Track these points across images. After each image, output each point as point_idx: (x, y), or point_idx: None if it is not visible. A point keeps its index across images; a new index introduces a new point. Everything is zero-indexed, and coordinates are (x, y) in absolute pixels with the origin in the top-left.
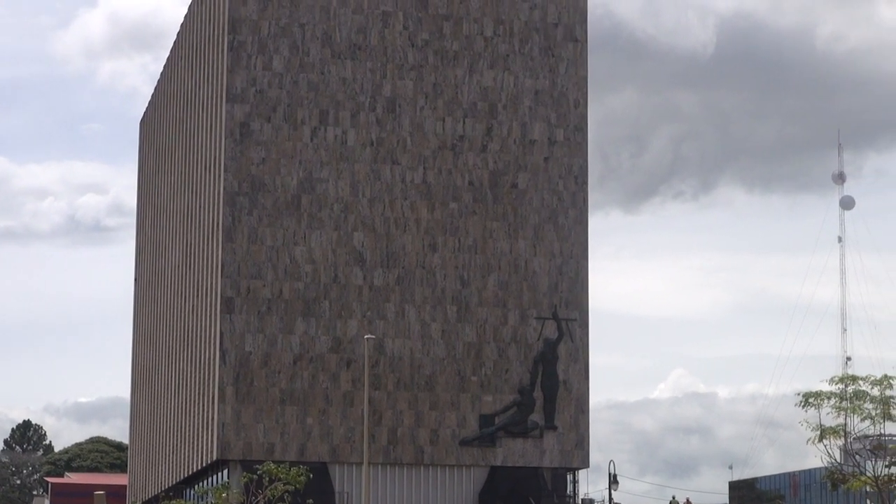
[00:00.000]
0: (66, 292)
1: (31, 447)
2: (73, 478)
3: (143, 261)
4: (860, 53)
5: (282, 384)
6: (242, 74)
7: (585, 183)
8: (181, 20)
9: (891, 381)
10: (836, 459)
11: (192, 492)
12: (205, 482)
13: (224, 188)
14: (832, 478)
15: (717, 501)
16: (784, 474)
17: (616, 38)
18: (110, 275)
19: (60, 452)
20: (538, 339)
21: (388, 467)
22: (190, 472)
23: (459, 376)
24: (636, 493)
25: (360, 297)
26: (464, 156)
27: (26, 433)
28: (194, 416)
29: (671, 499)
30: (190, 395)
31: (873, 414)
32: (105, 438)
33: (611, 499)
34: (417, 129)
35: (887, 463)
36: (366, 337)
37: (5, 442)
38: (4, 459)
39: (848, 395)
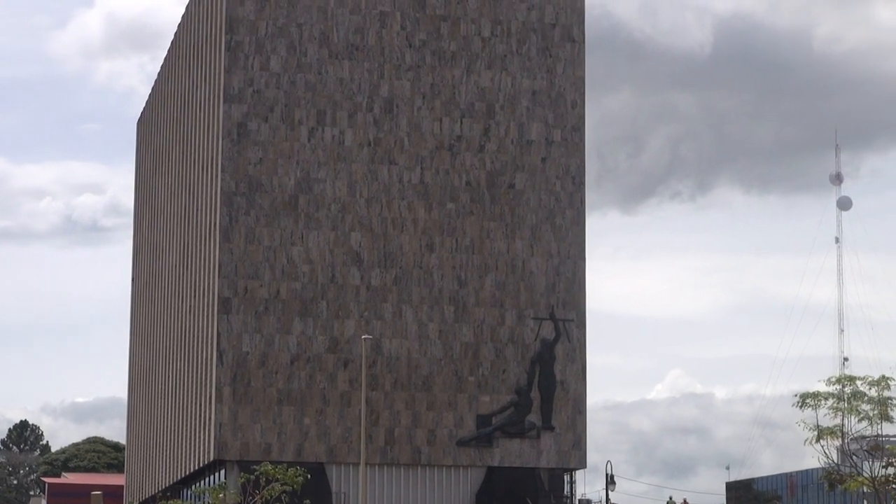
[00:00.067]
0: (64, 292)
1: (27, 447)
2: (70, 478)
3: (141, 261)
4: (857, 54)
5: (279, 384)
6: (240, 74)
7: (583, 183)
8: (178, 20)
9: (888, 381)
10: (833, 460)
11: (189, 492)
12: (202, 482)
13: (221, 188)
14: (829, 478)
15: (714, 502)
16: (781, 475)
17: (613, 39)
18: (107, 275)
19: (57, 452)
20: (535, 340)
21: (385, 468)
22: (187, 473)
23: (456, 376)
24: (633, 494)
25: (358, 298)
26: (461, 156)
27: (23, 433)
28: (191, 417)
29: (668, 499)
30: (187, 396)
31: (870, 414)
32: (102, 438)
33: (608, 499)
34: (415, 129)
35: (884, 463)
36: (363, 337)
37: (2, 442)
38: (1, 459)
39: (845, 396)
